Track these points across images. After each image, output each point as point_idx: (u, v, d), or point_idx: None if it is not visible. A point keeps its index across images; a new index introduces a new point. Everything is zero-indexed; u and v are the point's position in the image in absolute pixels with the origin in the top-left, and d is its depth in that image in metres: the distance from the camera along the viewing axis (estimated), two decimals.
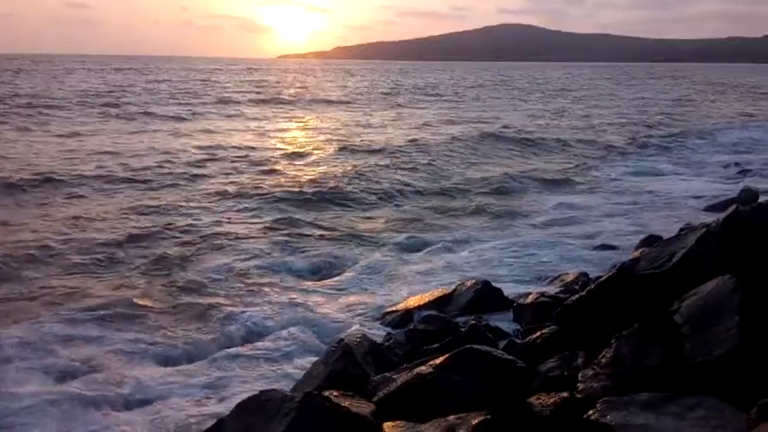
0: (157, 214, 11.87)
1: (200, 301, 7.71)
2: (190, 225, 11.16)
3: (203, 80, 66.12)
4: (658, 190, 14.81)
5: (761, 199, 10.12)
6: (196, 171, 16.35)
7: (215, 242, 10.22)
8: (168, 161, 17.48)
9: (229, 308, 7.42)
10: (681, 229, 5.81)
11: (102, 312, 7.19)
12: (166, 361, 6.16)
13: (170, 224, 11.12)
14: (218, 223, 11.43)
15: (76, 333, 6.59)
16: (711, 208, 11.77)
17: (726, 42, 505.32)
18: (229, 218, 11.80)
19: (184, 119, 28.96)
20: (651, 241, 8.02)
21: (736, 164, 18.34)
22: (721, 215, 4.83)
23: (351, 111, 36.62)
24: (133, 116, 28.71)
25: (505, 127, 28.33)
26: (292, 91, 54.19)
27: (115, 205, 12.49)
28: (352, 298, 7.93)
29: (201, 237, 10.47)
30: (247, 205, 12.92)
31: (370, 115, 34.33)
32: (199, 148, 20.22)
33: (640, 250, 5.73)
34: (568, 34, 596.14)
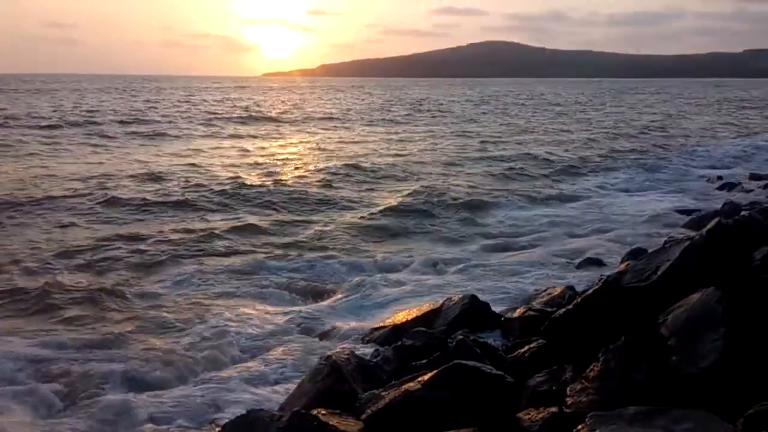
0: (135, 234, 11.64)
1: (179, 323, 7.54)
2: (165, 243, 10.99)
3: (187, 99, 65.89)
4: (640, 204, 14.90)
5: (743, 212, 10.21)
6: (172, 189, 16.07)
7: (192, 263, 10.04)
8: (144, 180, 17.21)
9: (211, 329, 7.27)
10: (665, 242, 5.85)
11: (76, 335, 7.04)
12: (148, 384, 6.00)
13: (148, 244, 10.93)
14: (195, 243, 11.19)
15: (52, 357, 6.40)
16: (694, 222, 11.85)
17: (707, 57, 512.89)
18: (205, 237, 11.55)
19: (166, 137, 28.80)
20: (636, 254, 8.07)
21: (719, 178, 18.50)
22: (705, 228, 4.87)
23: (333, 128, 36.70)
24: (116, 135, 28.52)
25: (484, 142, 28.62)
26: (278, 108, 54.28)
27: (89, 225, 12.32)
28: (336, 316, 7.87)
29: (175, 258, 10.24)
30: (223, 223, 12.72)
31: (353, 131, 34.46)
32: (177, 166, 20.00)
33: (626, 263, 5.75)
34: (551, 51, 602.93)
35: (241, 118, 41.04)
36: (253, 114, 44.88)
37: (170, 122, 36.19)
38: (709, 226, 4.83)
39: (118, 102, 55.28)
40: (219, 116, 41.20)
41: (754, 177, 18.21)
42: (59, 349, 6.66)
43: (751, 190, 16.20)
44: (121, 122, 34.51)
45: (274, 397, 5.60)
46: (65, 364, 6.28)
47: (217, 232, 11.90)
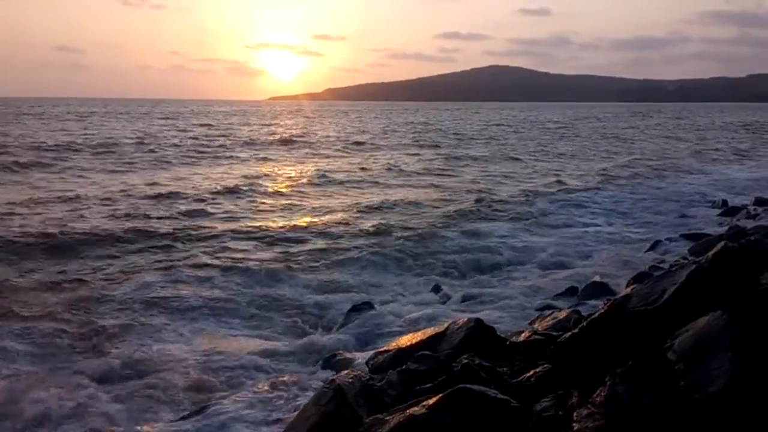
0: (129, 267, 11.50)
1: (176, 354, 7.44)
2: (160, 271, 10.91)
3: (197, 124, 66.23)
4: (645, 229, 14.87)
5: (749, 236, 10.16)
6: (172, 214, 16.03)
7: (189, 289, 9.97)
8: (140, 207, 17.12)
9: (210, 358, 7.23)
10: (671, 266, 5.83)
11: (63, 367, 6.97)
12: (146, 419, 5.93)
13: (139, 272, 10.85)
14: (193, 268, 11.10)
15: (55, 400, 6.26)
16: (700, 246, 11.79)
17: (710, 81, 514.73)
18: (203, 262, 11.50)
19: (170, 161, 28.99)
20: (641, 278, 8.03)
21: (724, 202, 18.44)
22: (711, 252, 4.85)
23: (339, 150, 36.87)
24: (132, 158, 28.65)
25: (483, 166, 28.96)
26: (286, 132, 54.60)
27: (81, 246, 12.37)
28: (339, 342, 7.89)
29: (170, 286, 10.13)
30: (222, 250, 12.58)
31: (356, 156, 34.54)
32: (179, 189, 20.07)
33: (631, 287, 5.72)
34: (555, 76, 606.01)
35: (245, 143, 41.22)
36: (255, 139, 45.03)
37: (176, 146, 36.38)
38: (714, 249, 4.81)
39: (135, 128, 55.55)
40: (225, 142, 41.37)
41: (759, 202, 18.14)
42: (68, 387, 6.51)
43: (757, 215, 16.12)
44: (135, 144, 34.83)
45: (277, 425, 5.55)
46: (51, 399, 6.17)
47: (215, 258, 11.86)
